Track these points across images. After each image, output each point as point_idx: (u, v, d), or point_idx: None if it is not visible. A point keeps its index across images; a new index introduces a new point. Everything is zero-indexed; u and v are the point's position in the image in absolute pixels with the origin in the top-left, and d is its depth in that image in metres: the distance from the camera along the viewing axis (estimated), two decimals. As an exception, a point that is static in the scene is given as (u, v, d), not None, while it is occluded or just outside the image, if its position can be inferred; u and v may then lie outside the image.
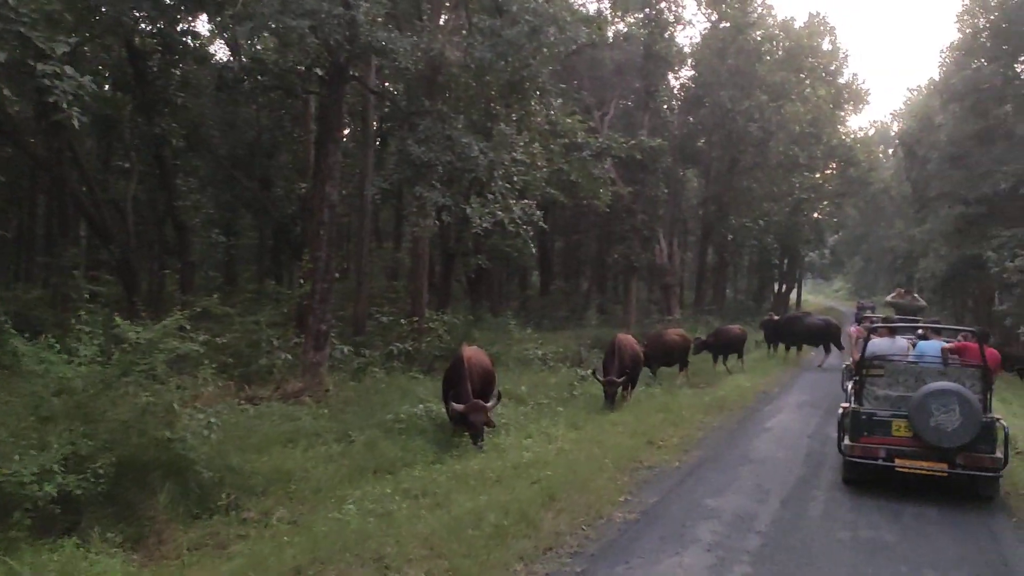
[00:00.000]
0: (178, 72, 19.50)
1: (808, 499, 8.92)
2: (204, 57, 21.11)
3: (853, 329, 14.69)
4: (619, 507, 8.24)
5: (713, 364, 21.32)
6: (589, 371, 15.50)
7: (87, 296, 12.35)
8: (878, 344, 10.24)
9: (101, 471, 7.29)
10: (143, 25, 18.39)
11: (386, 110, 20.49)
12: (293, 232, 24.23)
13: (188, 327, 9.69)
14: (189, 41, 20.03)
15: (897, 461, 8.89)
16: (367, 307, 20.20)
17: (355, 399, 13.48)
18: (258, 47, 24.18)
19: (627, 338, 15.37)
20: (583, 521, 7.67)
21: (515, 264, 37.93)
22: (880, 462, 8.97)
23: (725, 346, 21.26)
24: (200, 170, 27.02)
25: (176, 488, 8.01)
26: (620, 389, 15.13)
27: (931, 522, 8.21)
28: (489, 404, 10.87)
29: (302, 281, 17.62)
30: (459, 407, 10.63)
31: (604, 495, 8.46)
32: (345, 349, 16.64)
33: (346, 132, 29.14)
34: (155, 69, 19.45)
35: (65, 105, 9.44)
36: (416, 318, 19.31)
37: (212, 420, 8.95)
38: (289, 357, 15.25)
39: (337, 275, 18.03)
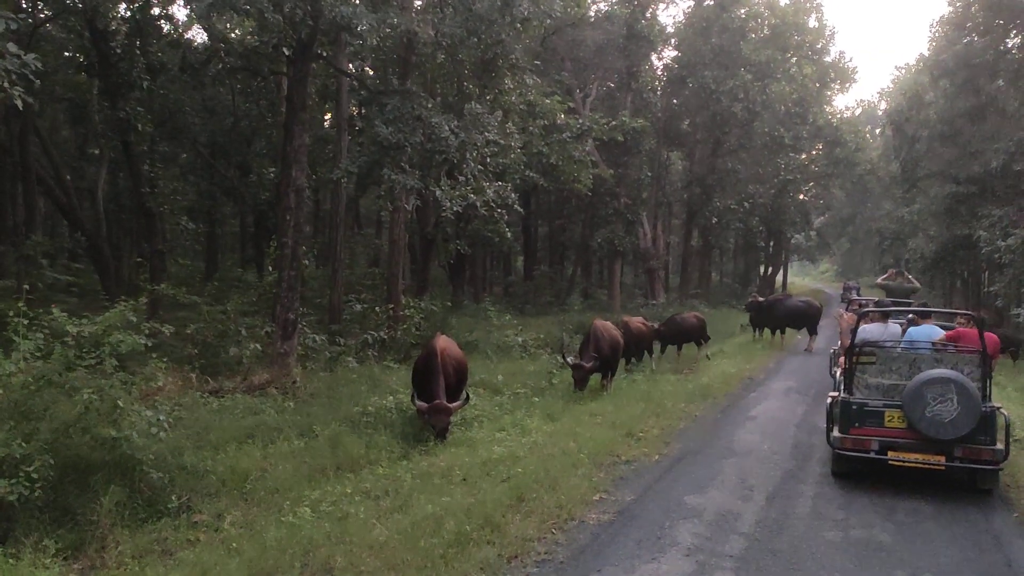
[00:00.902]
0: (142, 54, 18.71)
1: (795, 495, 8.36)
2: (177, 42, 20.40)
3: (847, 314, 14.06)
4: (593, 507, 7.68)
5: (675, 353, 20.14)
6: (560, 355, 14.86)
7: (27, 287, 11.65)
8: (869, 330, 9.68)
9: (35, 474, 6.79)
10: (116, 10, 17.79)
11: (361, 93, 19.84)
12: (271, 219, 23.64)
13: (135, 318, 9.09)
14: (164, 25, 19.39)
15: (890, 454, 8.31)
16: (344, 294, 19.65)
17: (323, 391, 12.95)
18: (236, 32, 23.56)
19: (605, 324, 14.77)
20: (553, 524, 7.10)
21: (497, 249, 37.46)
22: (872, 455, 8.41)
23: (679, 336, 19.88)
24: (179, 157, 26.47)
25: (122, 490, 7.46)
26: (602, 378, 14.70)
27: (927, 519, 7.66)
28: (454, 405, 10.34)
29: (271, 268, 17.03)
30: (423, 406, 10.13)
31: (577, 494, 7.88)
32: (317, 338, 16.10)
33: (327, 117, 28.59)
34: (119, 51, 18.74)
35: (7, 84, 8.86)
36: (392, 305, 18.78)
37: (160, 417, 8.31)
38: (258, 347, 14.71)
39: (306, 262, 17.42)
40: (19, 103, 8.95)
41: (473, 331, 20.68)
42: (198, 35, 25.59)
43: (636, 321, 17.50)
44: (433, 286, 30.42)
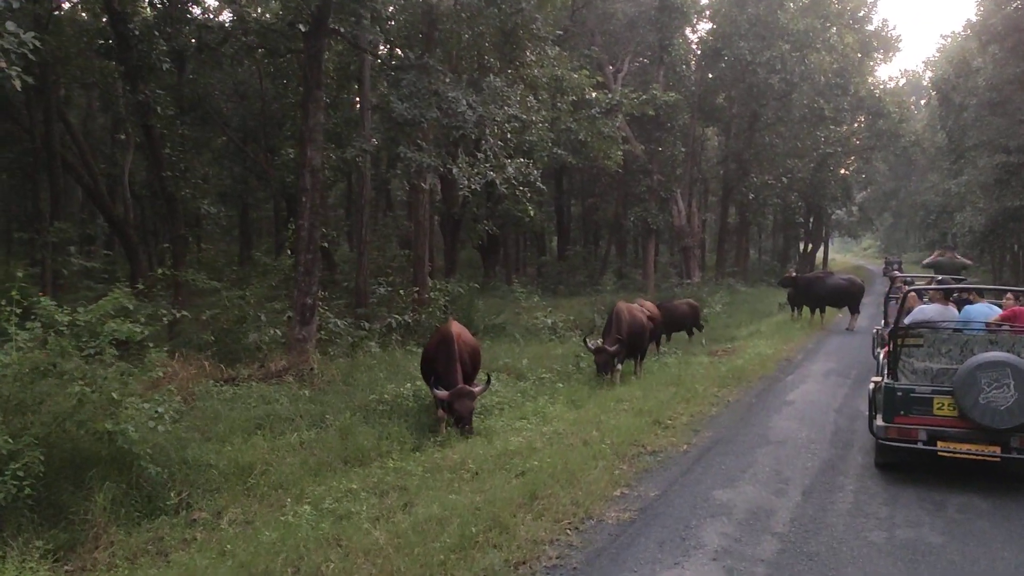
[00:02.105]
0: (162, 37, 18.36)
1: (835, 489, 7.71)
2: (206, 25, 20.05)
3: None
4: (613, 504, 7.10)
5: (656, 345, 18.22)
6: (583, 340, 14.23)
7: (20, 274, 11.30)
8: (928, 311, 8.94)
9: (21, 472, 6.44)
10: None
11: (391, 73, 19.36)
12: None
13: (131, 305, 8.71)
14: (195, 9, 19.04)
15: (940, 444, 7.61)
16: (372, 277, 19.27)
17: (340, 378, 12.52)
18: (265, 16, 23.19)
19: (629, 307, 14.09)
20: (568, 524, 6.54)
21: (529, 230, 36.98)
22: (919, 445, 7.72)
23: (670, 323, 18.36)
24: (213, 142, 26.31)
25: (118, 487, 7.10)
26: (628, 361, 14.12)
27: (981, 517, 6.97)
28: (477, 389, 9.77)
29: (289, 252, 16.66)
30: (443, 394, 9.52)
31: (596, 489, 7.30)
32: (339, 322, 15.70)
33: (357, 100, 28.20)
34: (137, 33, 18.42)
35: (4, 64, 8.49)
36: (417, 288, 18.35)
37: (159, 410, 7.91)
38: (278, 333, 14.36)
39: (325, 244, 17.02)
40: (17, 83, 8.59)
41: (501, 313, 20.17)
42: (227, 19, 25.43)
43: (649, 305, 16.79)
44: (466, 267, 30.01)
